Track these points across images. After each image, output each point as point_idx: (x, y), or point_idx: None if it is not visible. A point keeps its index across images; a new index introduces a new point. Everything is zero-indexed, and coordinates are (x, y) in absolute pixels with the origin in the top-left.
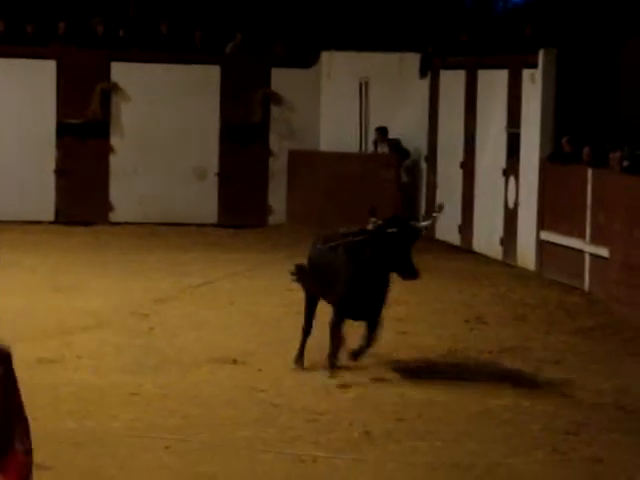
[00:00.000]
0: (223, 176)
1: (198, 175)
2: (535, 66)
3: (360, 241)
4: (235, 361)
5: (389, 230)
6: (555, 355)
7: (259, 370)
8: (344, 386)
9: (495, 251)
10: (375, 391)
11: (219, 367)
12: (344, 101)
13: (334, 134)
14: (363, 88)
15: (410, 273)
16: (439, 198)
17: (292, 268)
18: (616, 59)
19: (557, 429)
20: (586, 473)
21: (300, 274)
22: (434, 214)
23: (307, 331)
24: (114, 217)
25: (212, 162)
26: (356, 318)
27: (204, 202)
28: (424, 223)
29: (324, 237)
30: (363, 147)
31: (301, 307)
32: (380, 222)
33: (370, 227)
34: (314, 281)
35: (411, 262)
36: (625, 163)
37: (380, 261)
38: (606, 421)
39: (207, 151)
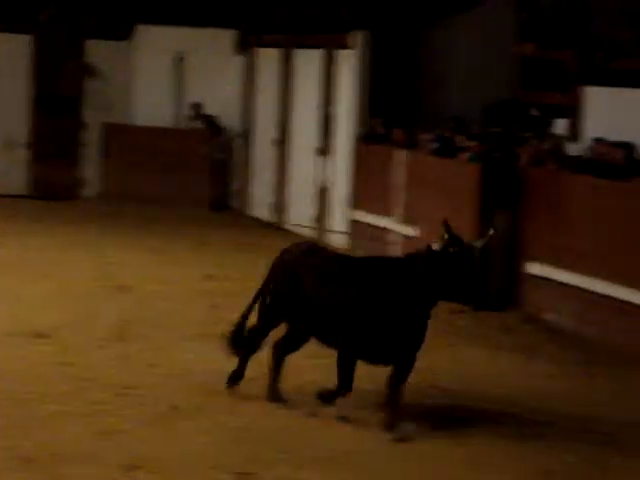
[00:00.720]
0: (34, 147)
1: (7, 146)
2: (349, 47)
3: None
4: (43, 335)
5: (451, 250)
6: None
7: (68, 344)
8: (154, 362)
9: (307, 229)
10: (184, 366)
11: (26, 341)
12: (159, 75)
13: (149, 108)
14: (178, 63)
15: (483, 301)
16: (252, 176)
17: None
18: (418, 45)
19: (364, 406)
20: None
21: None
22: (490, 232)
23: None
24: None
25: (23, 133)
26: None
27: (14, 173)
28: (479, 242)
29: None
30: (178, 122)
31: (115, 281)
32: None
33: (435, 247)
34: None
35: (486, 287)
36: (435, 145)
37: (440, 289)
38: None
39: (18, 122)
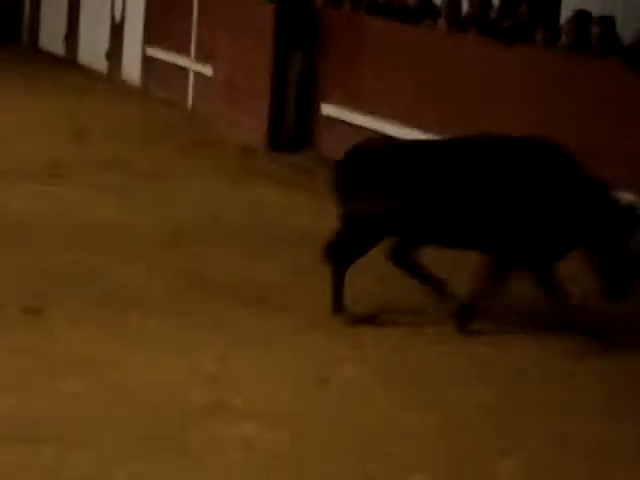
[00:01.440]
0: None
1: None
2: None
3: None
4: None
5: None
6: (156, 169)
7: None
8: None
9: (100, 65)
10: None
11: None
12: None
13: None
14: None
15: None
16: (44, 8)
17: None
18: None
19: (156, 243)
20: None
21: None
22: None
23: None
24: None
25: None
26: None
27: None
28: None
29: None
30: None
31: None
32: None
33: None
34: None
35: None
36: None
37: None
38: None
39: None
